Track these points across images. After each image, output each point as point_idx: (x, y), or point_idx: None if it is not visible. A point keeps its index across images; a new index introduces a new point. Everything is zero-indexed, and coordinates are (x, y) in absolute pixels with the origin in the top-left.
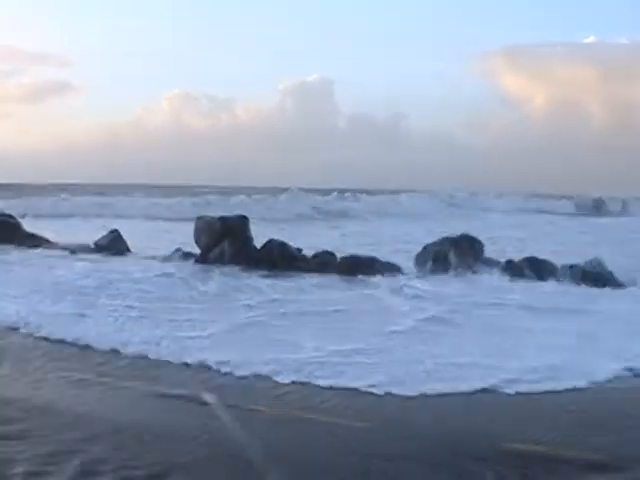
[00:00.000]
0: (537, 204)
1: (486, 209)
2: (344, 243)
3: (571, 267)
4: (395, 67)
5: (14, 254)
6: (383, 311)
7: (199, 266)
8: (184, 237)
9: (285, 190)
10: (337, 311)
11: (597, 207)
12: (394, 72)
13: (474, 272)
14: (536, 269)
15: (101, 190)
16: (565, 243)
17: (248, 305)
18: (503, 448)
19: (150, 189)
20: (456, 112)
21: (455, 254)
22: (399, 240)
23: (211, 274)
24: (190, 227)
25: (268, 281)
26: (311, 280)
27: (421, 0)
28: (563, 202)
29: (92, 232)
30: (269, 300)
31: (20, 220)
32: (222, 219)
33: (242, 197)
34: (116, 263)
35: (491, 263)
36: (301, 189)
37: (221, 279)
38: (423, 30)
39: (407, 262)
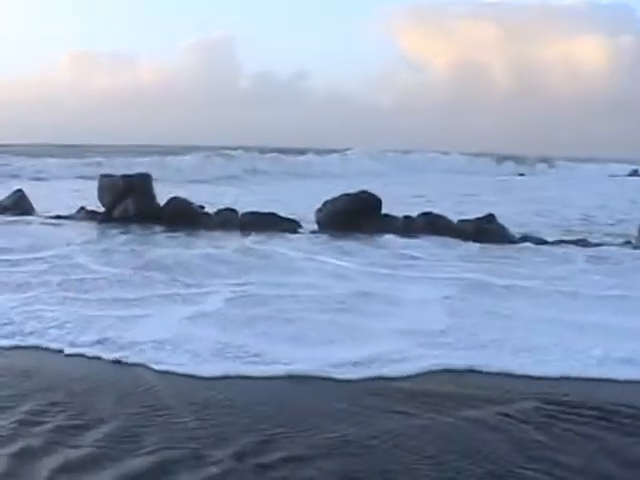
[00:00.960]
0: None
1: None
2: (250, 201)
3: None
4: (298, 26)
5: None
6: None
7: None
8: (89, 197)
9: (188, 149)
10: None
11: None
12: (298, 32)
13: (373, 230)
14: (432, 225)
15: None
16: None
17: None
18: None
19: (52, 149)
20: (359, 72)
21: (353, 210)
22: (308, 198)
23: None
24: (92, 187)
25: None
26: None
27: None
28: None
29: None
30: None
31: None
32: (125, 177)
33: (150, 158)
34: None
35: (390, 219)
36: (203, 147)
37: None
38: None
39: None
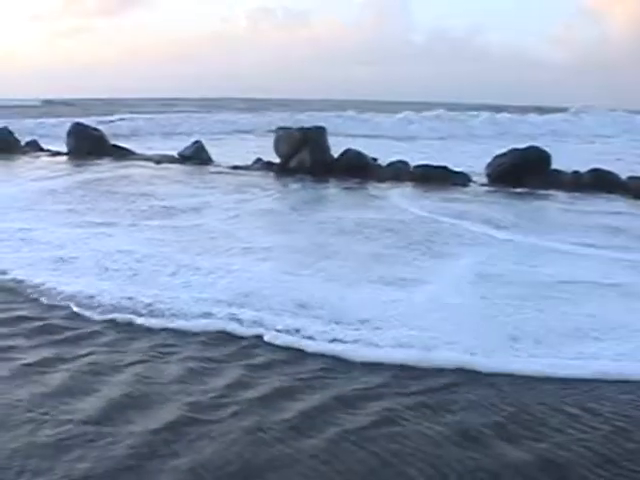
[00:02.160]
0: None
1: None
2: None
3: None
4: None
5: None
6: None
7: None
8: (264, 149)
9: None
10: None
11: None
12: None
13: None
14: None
15: (172, 103)
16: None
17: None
18: None
19: (229, 102)
20: (535, 26)
21: (521, 164)
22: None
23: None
24: (268, 141)
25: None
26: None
27: None
28: None
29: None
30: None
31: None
32: (301, 129)
33: (320, 114)
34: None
35: (558, 174)
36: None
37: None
38: None
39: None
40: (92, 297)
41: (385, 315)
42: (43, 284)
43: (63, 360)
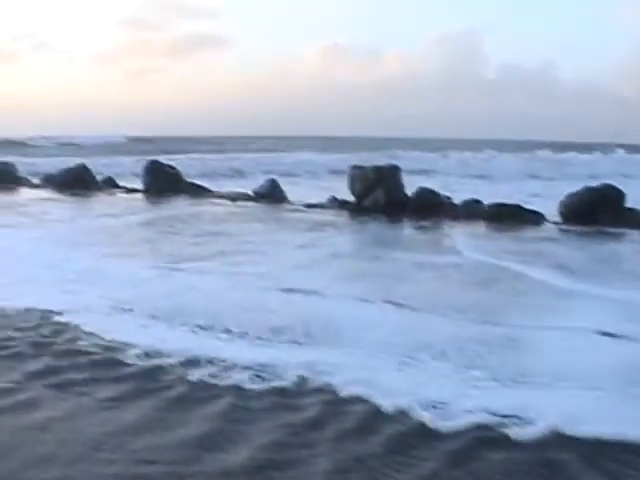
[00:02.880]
0: None
1: None
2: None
3: None
4: (544, 15)
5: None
6: None
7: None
8: (337, 188)
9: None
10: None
11: None
12: (544, 21)
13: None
14: None
15: (244, 142)
16: None
17: None
18: None
19: (302, 140)
20: (610, 60)
21: (595, 202)
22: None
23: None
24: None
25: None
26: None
27: None
28: None
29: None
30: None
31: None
32: (376, 168)
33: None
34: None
35: (633, 214)
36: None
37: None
38: None
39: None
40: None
41: None
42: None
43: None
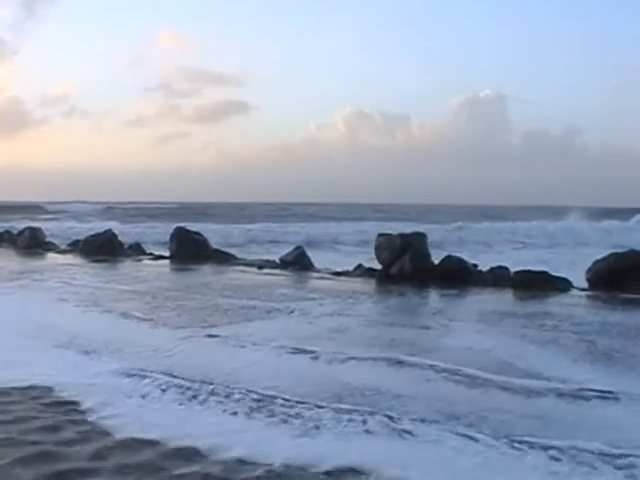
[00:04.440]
0: None
1: None
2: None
3: None
4: (568, 80)
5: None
6: None
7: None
8: (364, 255)
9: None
10: None
11: None
12: (568, 87)
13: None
14: None
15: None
16: None
17: None
18: None
19: (326, 208)
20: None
21: (622, 268)
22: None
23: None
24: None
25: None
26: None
27: (592, 9)
28: None
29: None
30: None
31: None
32: (402, 236)
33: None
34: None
35: None
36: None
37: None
38: (595, 42)
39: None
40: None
41: None
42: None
43: None
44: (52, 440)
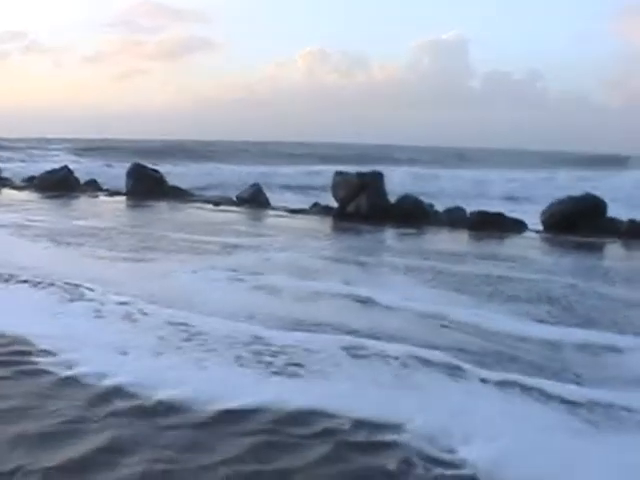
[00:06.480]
0: None
1: None
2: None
3: None
4: (531, 25)
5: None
6: None
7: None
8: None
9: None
10: None
11: None
12: (530, 32)
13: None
14: None
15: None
16: None
17: None
18: None
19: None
20: (593, 73)
21: (577, 212)
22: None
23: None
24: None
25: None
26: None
27: None
28: None
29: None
30: None
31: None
32: (359, 175)
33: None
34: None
35: (613, 223)
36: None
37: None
38: None
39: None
40: None
41: None
42: None
43: None
44: None
